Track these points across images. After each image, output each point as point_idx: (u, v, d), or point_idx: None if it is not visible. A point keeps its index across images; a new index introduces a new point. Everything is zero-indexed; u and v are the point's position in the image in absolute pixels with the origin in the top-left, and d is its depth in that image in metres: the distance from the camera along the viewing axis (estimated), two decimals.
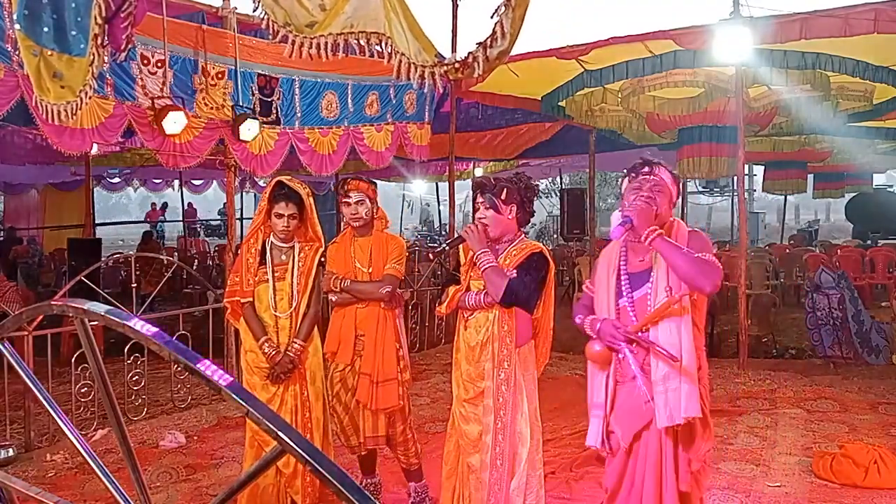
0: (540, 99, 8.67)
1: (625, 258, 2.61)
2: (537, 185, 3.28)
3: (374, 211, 3.71)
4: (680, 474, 2.45)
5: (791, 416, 5.34)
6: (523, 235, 3.16)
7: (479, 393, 3.04)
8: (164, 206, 22.94)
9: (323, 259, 3.62)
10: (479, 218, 3.06)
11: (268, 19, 4.75)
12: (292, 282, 3.48)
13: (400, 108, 7.84)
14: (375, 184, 3.76)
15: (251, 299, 3.48)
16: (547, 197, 27.84)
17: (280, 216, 3.44)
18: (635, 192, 2.53)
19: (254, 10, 4.82)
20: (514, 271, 2.97)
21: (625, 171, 2.66)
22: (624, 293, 2.57)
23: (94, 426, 5.10)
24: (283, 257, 3.52)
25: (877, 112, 8.76)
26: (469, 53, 5.33)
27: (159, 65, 5.62)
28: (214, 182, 18.25)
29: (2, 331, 1.20)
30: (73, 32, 4.52)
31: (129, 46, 5.02)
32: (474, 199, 3.14)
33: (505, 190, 3.06)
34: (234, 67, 6.17)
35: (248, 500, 3.40)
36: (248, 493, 3.36)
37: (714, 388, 5.92)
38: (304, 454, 0.86)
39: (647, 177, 2.54)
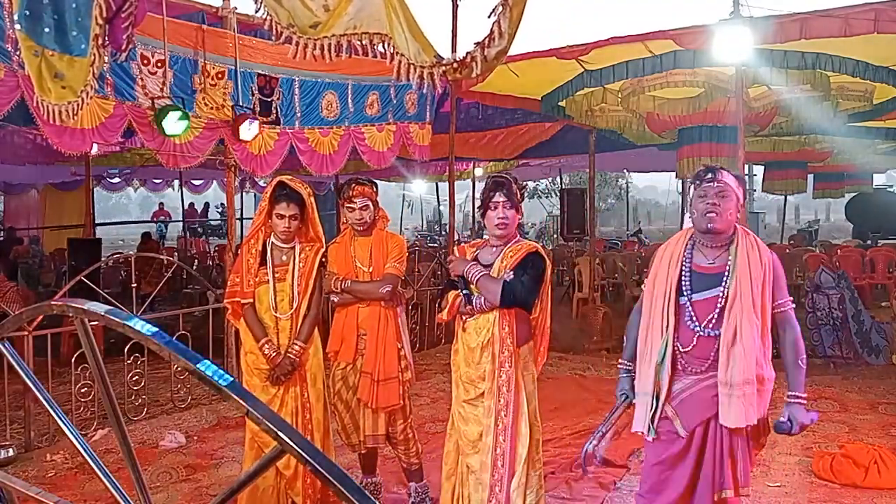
0: (540, 99, 8.65)
1: (690, 255, 2.66)
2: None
3: (376, 212, 3.72)
4: (751, 459, 2.66)
5: None
6: (519, 235, 3.17)
7: (480, 394, 3.03)
8: (206, 206, 22.44)
9: (324, 259, 3.61)
10: (501, 218, 3.02)
11: (270, 20, 4.74)
12: (293, 283, 3.46)
13: (401, 108, 7.83)
14: (376, 184, 3.77)
15: (251, 300, 3.46)
16: (547, 197, 27.81)
17: (281, 217, 3.42)
18: (702, 199, 2.61)
19: (255, 11, 4.82)
20: (511, 273, 2.97)
21: (691, 179, 2.74)
22: (684, 291, 2.61)
23: (94, 426, 5.10)
24: (284, 258, 3.50)
25: (877, 112, 8.74)
26: (467, 53, 5.33)
27: (159, 65, 5.61)
28: (214, 182, 18.25)
29: (2, 331, 1.20)
30: (74, 33, 4.53)
31: (130, 46, 5.03)
32: (491, 198, 3.04)
33: (517, 188, 3.08)
34: (234, 67, 6.16)
35: (247, 502, 3.37)
36: (247, 495, 3.34)
37: None
38: (304, 454, 0.86)
39: (711, 184, 2.61)
